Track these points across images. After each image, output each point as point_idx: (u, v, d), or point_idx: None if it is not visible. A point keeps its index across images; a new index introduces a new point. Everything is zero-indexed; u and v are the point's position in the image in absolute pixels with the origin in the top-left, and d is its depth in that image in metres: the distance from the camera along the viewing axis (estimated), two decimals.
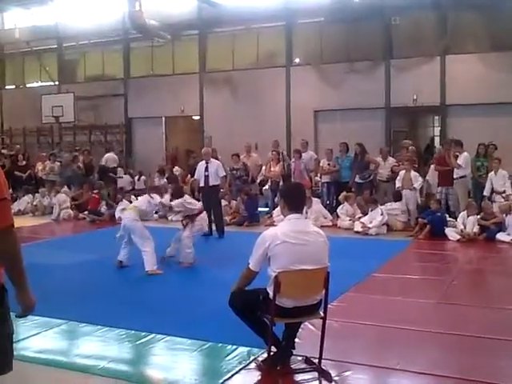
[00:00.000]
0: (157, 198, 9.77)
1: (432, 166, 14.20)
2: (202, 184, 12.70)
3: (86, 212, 15.83)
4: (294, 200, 4.94)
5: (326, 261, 4.83)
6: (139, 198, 10.14)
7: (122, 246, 9.32)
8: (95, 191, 16.15)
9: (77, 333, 6.04)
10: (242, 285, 4.97)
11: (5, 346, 3.23)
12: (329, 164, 15.05)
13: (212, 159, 12.96)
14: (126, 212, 9.60)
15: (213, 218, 12.50)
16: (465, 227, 11.75)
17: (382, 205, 13.25)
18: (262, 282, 4.88)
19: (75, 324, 6.25)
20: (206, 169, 12.54)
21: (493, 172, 12.91)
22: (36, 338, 5.77)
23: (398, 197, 13.45)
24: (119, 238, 9.43)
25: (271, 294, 4.67)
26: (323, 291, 4.83)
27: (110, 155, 19.14)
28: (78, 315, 6.44)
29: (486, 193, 12.87)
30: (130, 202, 14.98)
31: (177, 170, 18.37)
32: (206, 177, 12.49)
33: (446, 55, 18.23)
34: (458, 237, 11.59)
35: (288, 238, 4.66)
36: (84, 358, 5.28)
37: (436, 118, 21.00)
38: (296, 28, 20.48)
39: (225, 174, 13.14)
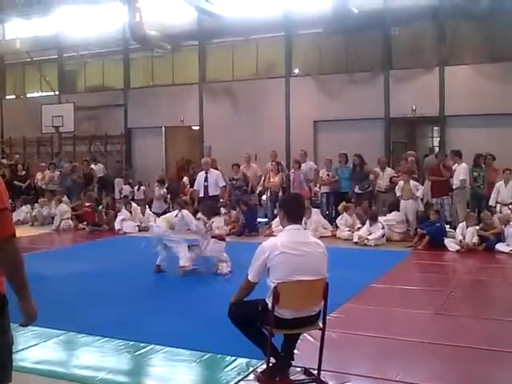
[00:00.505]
0: (190, 216, 9.91)
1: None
2: (201, 194, 12.67)
3: (85, 222, 15.82)
4: (294, 211, 4.94)
5: (324, 272, 4.83)
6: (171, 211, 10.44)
7: (158, 251, 9.63)
8: (87, 204, 16.12)
9: (76, 343, 6.02)
10: (241, 296, 4.97)
11: (4, 357, 3.21)
12: (328, 174, 15.06)
13: (212, 169, 12.95)
14: (159, 223, 10.01)
15: None
16: (464, 238, 11.75)
17: (380, 215, 13.28)
18: (260, 293, 4.88)
19: (74, 334, 6.23)
20: (206, 179, 12.53)
21: (502, 182, 12.84)
22: (35, 348, 5.75)
23: (394, 207, 13.49)
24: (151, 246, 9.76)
25: (270, 304, 4.66)
26: (322, 302, 4.83)
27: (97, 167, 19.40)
28: (77, 326, 6.43)
29: (491, 202, 12.87)
30: (130, 212, 15.05)
31: (186, 180, 18.29)
32: (206, 187, 12.49)
33: (445, 66, 18.32)
34: (458, 247, 11.59)
35: (287, 249, 4.66)
36: (83, 368, 5.27)
37: (435, 128, 21.10)
38: (295, 39, 20.61)
39: (225, 184, 13.12)
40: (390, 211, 13.50)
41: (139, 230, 15.00)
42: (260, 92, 20.60)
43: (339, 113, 19.24)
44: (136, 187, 18.80)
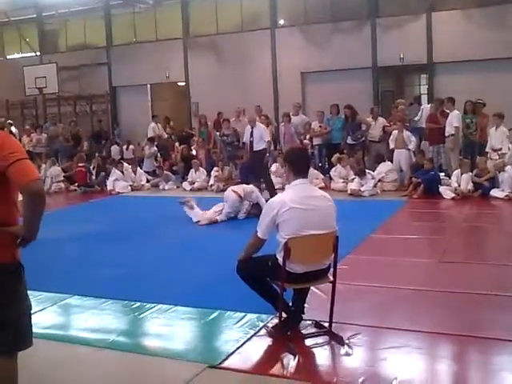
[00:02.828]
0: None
1: None
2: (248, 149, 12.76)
3: (76, 184, 15.67)
4: (299, 165, 4.87)
5: (334, 224, 4.82)
6: None
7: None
8: (81, 164, 15.92)
9: (82, 307, 5.93)
10: (249, 253, 4.93)
11: (26, 321, 3.39)
12: (320, 126, 14.98)
13: (258, 123, 12.83)
14: (237, 189, 10.43)
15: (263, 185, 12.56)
16: (459, 185, 11.77)
17: (370, 169, 13.29)
18: (268, 249, 4.85)
19: (79, 298, 6.16)
20: (252, 134, 12.47)
21: (494, 128, 12.74)
22: (42, 313, 5.67)
23: (381, 158, 13.48)
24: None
25: (281, 260, 4.63)
26: (332, 255, 4.82)
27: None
28: (81, 289, 6.38)
29: (487, 149, 12.78)
30: (122, 172, 14.92)
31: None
32: (251, 142, 12.46)
33: (432, 12, 18.11)
34: (453, 195, 11.62)
35: (296, 204, 4.61)
36: (93, 332, 5.22)
37: (423, 76, 20.96)
38: None
39: (269, 139, 12.91)
40: (378, 163, 13.47)
41: (132, 190, 14.93)
42: (245, 45, 20.32)
43: (326, 63, 19.04)
44: (125, 147, 18.59)
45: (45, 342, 4.75)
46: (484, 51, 16.96)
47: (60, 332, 5.31)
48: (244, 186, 10.74)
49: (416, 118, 14.36)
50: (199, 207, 10.43)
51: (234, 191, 10.30)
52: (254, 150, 12.42)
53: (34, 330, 5.16)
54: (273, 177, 13.16)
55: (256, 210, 10.08)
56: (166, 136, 18.51)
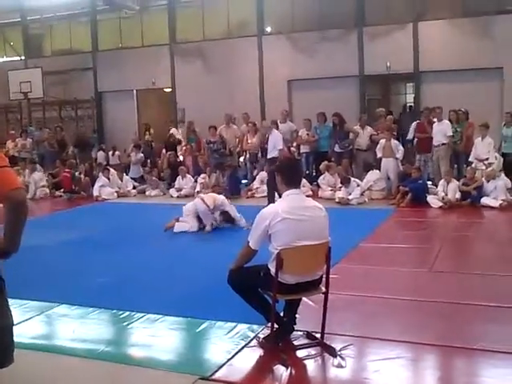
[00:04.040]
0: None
1: None
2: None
3: (61, 190, 15.50)
4: (291, 175, 4.82)
5: (327, 235, 4.79)
6: None
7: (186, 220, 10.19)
8: (66, 170, 15.74)
9: (70, 316, 5.83)
10: (241, 263, 4.86)
11: (7, 338, 3.17)
12: (308, 134, 14.96)
13: (274, 130, 12.62)
14: (206, 199, 10.20)
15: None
16: (446, 194, 11.78)
17: (358, 177, 13.31)
18: (259, 259, 4.80)
19: (67, 307, 6.05)
20: (267, 141, 12.33)
21: (480, 138, 12.83)
22: (29, 322, 5.58)
23: (369, 167, 13.49)
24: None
25: (273, 270, 4.57)
26: (324, 266, 4.77)
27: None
28: (68, 297, 6.27)
29: (471, 158, 12.86)
30: (108, 179, 14.79)
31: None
32: (265, 149, 12.34)
33: (419, 22, 18.17)
34: (440, 204, 11.64)
35: (288, 215, 4.55)
36: (81, 342, 5.13)
37: (409, 84, 21.04)
38: None
39: (282, 147, 12.70)
40: (367, 171, 13.48)
41: (118, 196, 14.80)
42: (232, 52, 20.26)
43: (313, 71, 19.01)
44: (110, 152, 18.41)
45: (31, 353, 4.66)
46: (470, 60, 17.04)
47: (47, 342, 5.22)
48: (216, 196, 10.47)
49: (409, 137, 14.17)
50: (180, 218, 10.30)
51: (204, 202, 10.05)
52: (268, 157, 12.28)
53: (20, 340, 5.06)
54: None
55: (225, 217, 10.06)
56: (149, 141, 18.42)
